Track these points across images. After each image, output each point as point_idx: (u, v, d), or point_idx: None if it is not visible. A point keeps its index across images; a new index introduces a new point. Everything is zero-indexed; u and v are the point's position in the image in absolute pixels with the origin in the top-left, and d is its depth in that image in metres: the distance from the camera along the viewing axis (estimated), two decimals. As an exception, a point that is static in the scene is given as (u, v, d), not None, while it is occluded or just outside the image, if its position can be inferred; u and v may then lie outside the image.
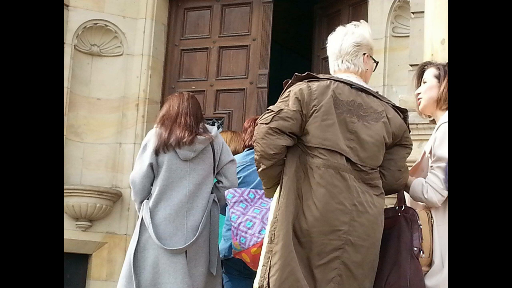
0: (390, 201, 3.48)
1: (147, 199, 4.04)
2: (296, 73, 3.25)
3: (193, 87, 7.25)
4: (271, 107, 3.15)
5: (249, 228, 3.76)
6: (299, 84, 3.19)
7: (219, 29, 7.47)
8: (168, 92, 7.14)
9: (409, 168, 3.34)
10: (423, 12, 4.94)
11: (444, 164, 3.18)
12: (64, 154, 6.77)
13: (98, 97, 7.33)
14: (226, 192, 3.97)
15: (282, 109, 3.10)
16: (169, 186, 4.01)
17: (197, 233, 3.95)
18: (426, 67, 3.51)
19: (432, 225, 3.22)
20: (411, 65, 5.46)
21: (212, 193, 4.09)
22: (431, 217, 3.24)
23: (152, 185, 4.06)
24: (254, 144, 3.15)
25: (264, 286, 3.03)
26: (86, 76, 7.33)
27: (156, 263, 3.92)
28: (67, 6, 7.18)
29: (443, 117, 3.30)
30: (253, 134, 3.28)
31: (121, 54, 7.38)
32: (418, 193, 3.24)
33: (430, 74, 3.44)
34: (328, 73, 3.38)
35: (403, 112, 3.31)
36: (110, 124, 7.30)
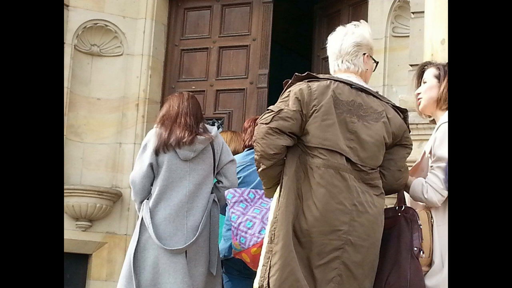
0: (390, 201, 3.48)
1: (147, 199, 4.04)
2: (296, 73, 3.25)
3: (193, 87, 7.25)
4: (271, 107, 3.15)
5: (249, 228, 3.76)
6: (299, 84, 3.19)
7: (219, 29, 7.47)
8: (168, 92, 7.14)
9: (409, 168, 3.34)
10: (423, 12, 4.94)
11: (444, 164, 3.18)
12: (64, 154, 6.77)
13: (98, 97, 7.33)
14: (226, 192, 3.97)
15: (282, 109, 3.10)
16: (169, 186, 4.01)
17: (197, 233, 3.95)
18: (426, 67, 3.51)
19: (432, 225, 3.22)
20: (411, 65, 5.46)
21: (212, 193, 4.09)
22: (431, 217, 3.24)
23: (152, 185, 4.06)
24: (254, 144, 3.15)
25: (264, 286, 3.03)
26: (86, 76, 7.33)
27: (156, 263, 3.92)
28: (67, 6, 7.18)
29: (443, 117, 3.30)
30: (253, 134, 3.28)
31: (121, 54, 7.39)
32: (418, 193, 3.24)
33: (430, 74, 3.44)
34: (328, 73, 3.38)
35: (403, 112, 3.31)
36: (110, 124, 7.30)
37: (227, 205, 3.93)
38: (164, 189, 4.01)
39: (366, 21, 4.43)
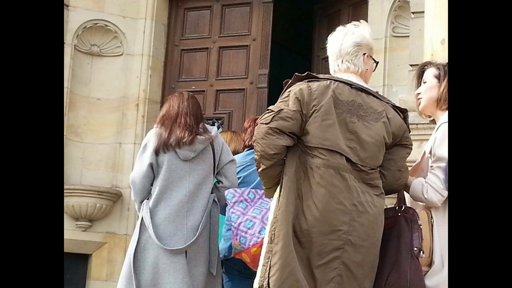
0: (390, 201, 3.48)
1: (147, 199, 4.04)
2: (296, 73, 3.25)
3: (193, 87, 7.25)
4: (271, 107, 3.15)
5: (249, 228, 3.76)
6: (299, 84, 3.19)
7: (219, 29, 7.47)
8: (168, 92, 7.14)
9: (409, 168, 3.34)
10: (423, 12, 4.94)
11: (444, 164, 3.19)
12: (64, 154, 6.77)
13: (98, 97, 7.33)
14: (226, 192, 3.97)
15: (282, 109, 3.10)
16: (169, 186, 4.01)
17: (197, 233, 3.95)
18: (426, 67, 3.51)
19: (432, 225, 3.22)
20: (411, 65, 5.46)
21: (212, 193, 4.09)
22: (431, 217, 3.24)
23: (152, 185, 4.06)
24: (254, 144, 3.15)
25: (264, 286, 3.03)
26: (86, 76, 7.33)
27: (156, 263, 3.92)
28: (67, 6, 7.18)
29: (443, 117, 3.30)
30: (253, 134, 3.28)
31: (121, 54, 7.39)
32: (418, 193, 3.24)
33: (430, 74, 3.44)
34: (328, 73, 3.38)
35: (403, 112, 3.31)
36: (110, 124, 7.30)
37: (227, 205, 3.93)
38: (164, 189, 4.01)
39: (366, 21, 4.43)
